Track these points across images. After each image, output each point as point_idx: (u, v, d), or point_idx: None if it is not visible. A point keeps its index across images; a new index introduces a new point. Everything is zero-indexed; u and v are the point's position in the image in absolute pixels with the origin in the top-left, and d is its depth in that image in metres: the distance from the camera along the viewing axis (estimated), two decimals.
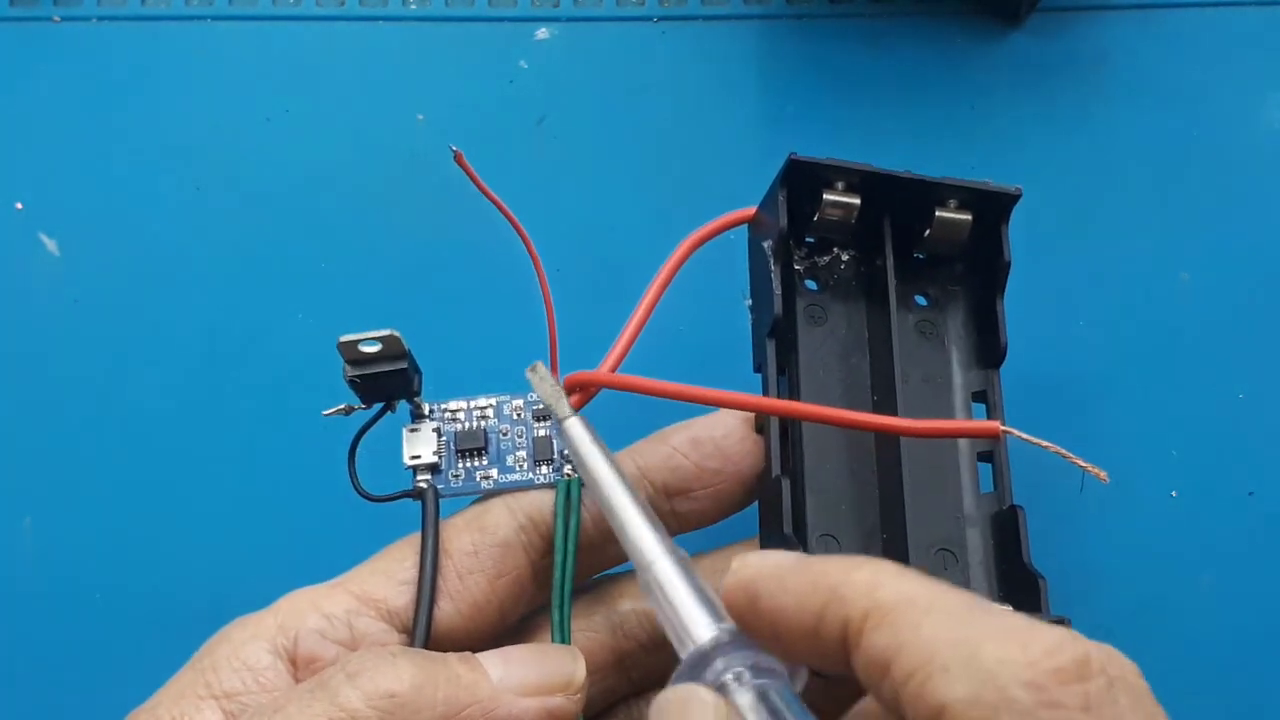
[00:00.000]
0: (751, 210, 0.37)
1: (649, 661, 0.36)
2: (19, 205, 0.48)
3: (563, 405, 0.34)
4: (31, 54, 0.50)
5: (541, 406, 0.37)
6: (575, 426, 0.33)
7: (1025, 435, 0.32)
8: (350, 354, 0.34)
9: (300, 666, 0.33)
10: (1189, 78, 0.49)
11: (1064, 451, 0.31)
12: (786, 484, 0.34)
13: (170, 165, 0.48)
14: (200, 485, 0.45)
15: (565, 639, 0.35)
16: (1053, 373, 0.45)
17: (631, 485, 0.32)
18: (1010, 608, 0.24)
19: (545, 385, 0.34)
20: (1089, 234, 0.47)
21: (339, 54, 0.50)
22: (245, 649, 0.33)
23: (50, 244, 0.48)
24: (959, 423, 0.36)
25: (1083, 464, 0.31)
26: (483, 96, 0.49)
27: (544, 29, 0.50)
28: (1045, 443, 0.31)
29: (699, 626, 0.29)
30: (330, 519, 0.42)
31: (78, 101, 0.49)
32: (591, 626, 0.36)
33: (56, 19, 0.50)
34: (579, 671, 0.33)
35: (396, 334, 0.34)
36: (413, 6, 0.50)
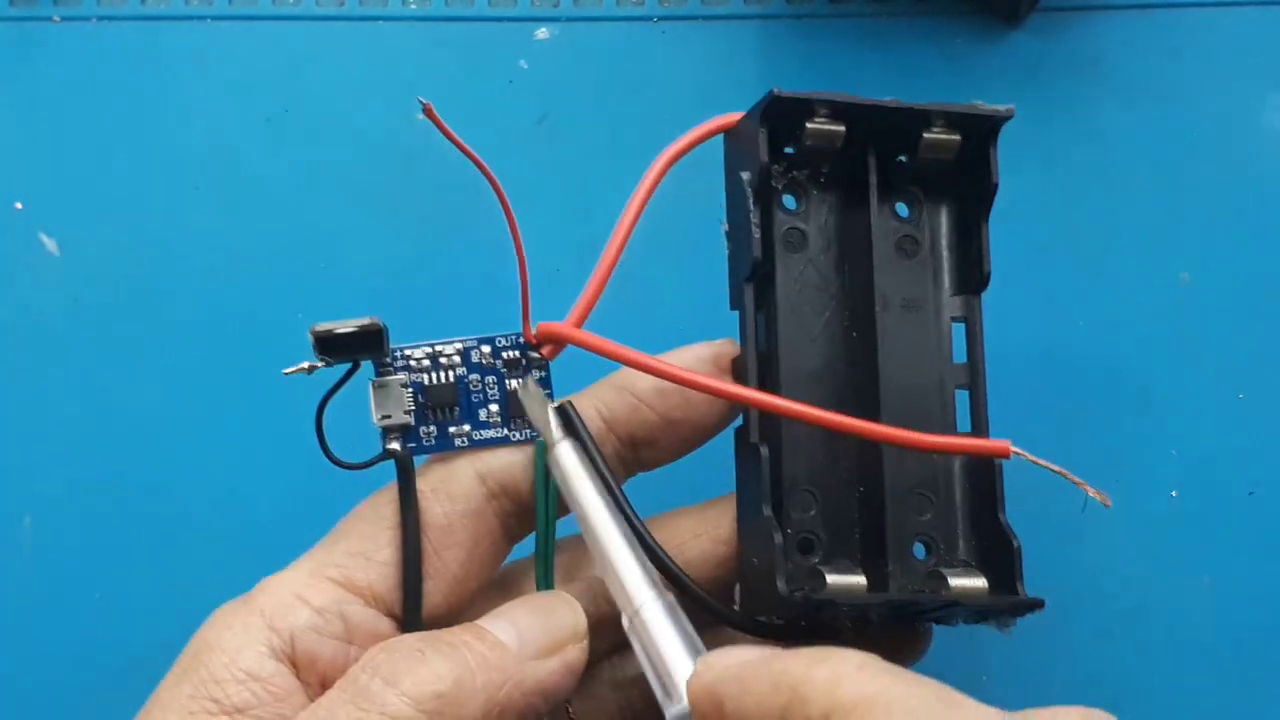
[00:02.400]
0: (732, 118, 0.36)
1: None
2: (19, 205, 0.48)
3: (552, 430, 0.33)
4: (31, 54, 0.50)
5: (512, 354, 0.36)
6: (566, 452, 0.33)
7: (1034, 458, 0.32)
8: (323, 335, 0.33)
9: (301, 667, 0.32)
10: (1189, 78, 0.49)
11: (1069, 474, 0.31)
12: (765, 454, 0.33)
13: (170, 165, 0.48)
14: (201, 485, 0.45)
15: None
16: (1052, 373, 0.45)
17: (619, 518, 0.32)
18: (976, 701, 0.24)
19: (535, 406, 0.34)
20: (1089, 234, 0.47)
21: (339, 54, 0.50)
22: (243, 657, 0.32)
23: (50, 244, 0.48)
24: (967, 440, 0.35)
25: (1087, 488, 0.31)
26: (483, 96, 0.49)
27: (544, 29, 0.50)
28: (1052, 465, 0.31)
29: (685, 684, 0.29)
30: (334, 507, 0.42)
31: (78, 101, 0.49)
32: (570, 593, 0.35)
33: (56, 19, 0.50)
34: (580, 617, 0.33)
35: (378, 320, 0.33)
36: (413, 6, 0.50)
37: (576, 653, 0.33)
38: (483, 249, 0.47)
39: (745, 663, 0.27)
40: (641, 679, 0.37)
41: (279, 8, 0.50)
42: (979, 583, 0.33)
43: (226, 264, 0.47)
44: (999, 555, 0.34)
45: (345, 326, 0.33)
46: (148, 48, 0.50)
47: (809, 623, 0.33)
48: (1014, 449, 0.32)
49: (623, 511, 0.33)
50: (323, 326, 0.33)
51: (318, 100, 0.49)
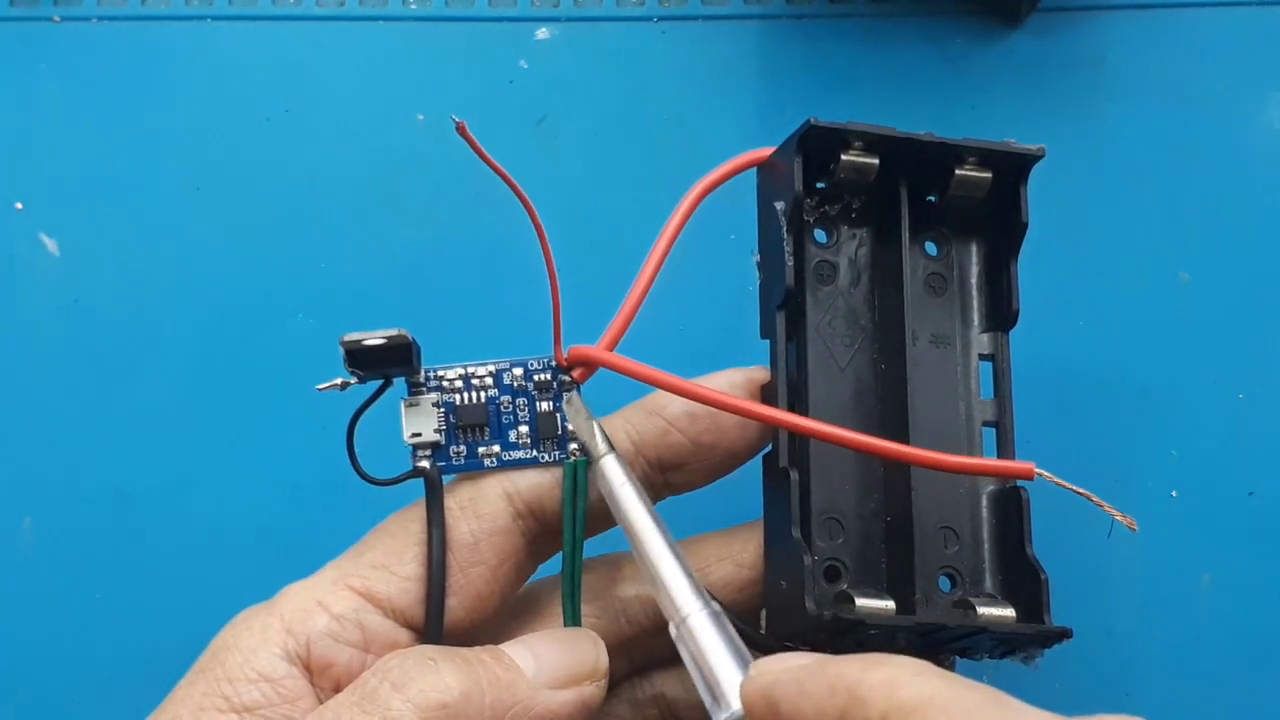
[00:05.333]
0: (764, 152, 0.36)
1: (651, 644, 0.36)
2: (19, 205, 0.48)
3: (596, 442, 0.34)
4: (31, 54, 0.50)
5: (543, 376, 0.36)
6: (611, 465, 0.33)
7: (1058, 480, 0.32)
8: (352, 347, 0.33)
9: (315, 672, 0.32)
10: (1189, 78, 0.49)
11: (1094, 497, 0.31)
12: (795, 478, 0.34)
13: (170, 165, 0.48)
14: (201, 484, 0.45)
15: (577, 624, 0.35)
16: (1052, 372, 0.45)
17: (665, 528, 0.32)
18: (1028, 706, 0.24)
19: (580, 419, 0.34)
20: (1089, 234, 0.47)
21: (339, 54, 0.50)
22: (258, 658, 0.32)
23: (50, 244, 0.48)
24: (991, 462, 0.35)
25: (1114, 512, 0.31)
26: (483, 96, 0.49)
27: (544, 29, 0.50)
28: (1077, 488, 0.32)
29: (734, 691, 0.29)
30: (331, 510, 0.42)
31: (78, 101, 0.49)
32: (594, 613, 0.36)
33: (56, 19, 0.50)
34: (603, 656, 0.33)
35: (405, 332, 0.33)
36: (413, 6, 0.50)
37: (592, 690, 0.33)
38: (484, 249, 0.47)
39: (801, 666, 0.27)
40: (659, 699, 0.37)
41: (279, 8, 0.50)
42: (1007, 612, 0.33)
43: (226, 264, 0.47)
44: (1026, 588, 0.34)
45: (374, 339, 0.33)
46: (148, 48, 0.50)
47: (835, 649, 0.33)
48: (1038, 470, 0.32)
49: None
50: (351, 337, 0.33)
51: (318, 100, 0.49)
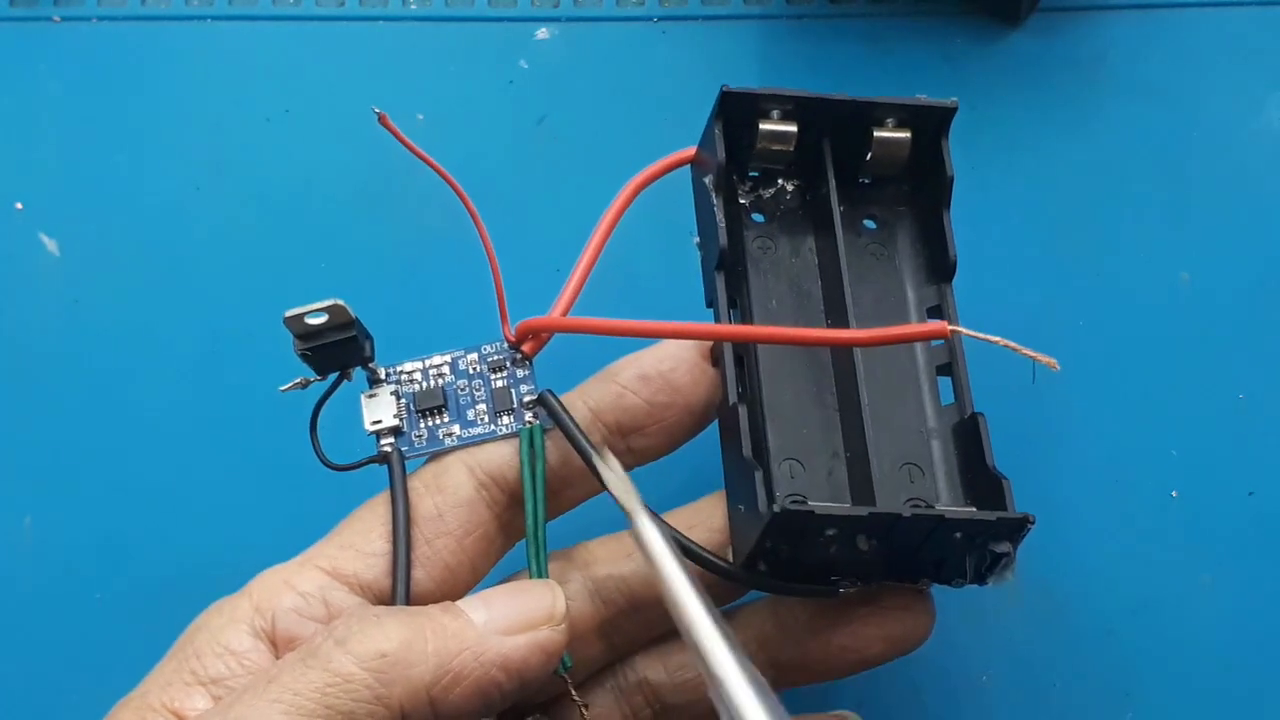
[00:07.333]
0: (692, 150, 0.37)
1: (630, 626, 0.36)
2: (19, 205, 0.48)
3: (635, 503, 0.33)
4: (31, 54, 0.50)
5: (497, 358, 0.37)
6: (649, 529, 0.32)
7: (974, 333, 0.32)
8: (298, 328, 0.35)
9: (281, 646, 0.33)
10: (1189, 78, 0.49)
11: (1012, 344, 0.31)
12: (744, 410, 0.34)
13: (170, 165, 0.48)
14: (200, 485, 0.45)
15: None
16: (1051, 372, 0.45)
17: (703, 591, 0.31)
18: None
19: (615, 480, 0.33)
20: (1089, 234, 0.47)
21: (339, 54, 0.50)
22: (225, 634, 0.33)
23: (50, 244, 0.48)
24: (905, 327, 0.35)
25: (1034, 355, 0.31)
26: (483, 96, 0.49)
27: (544, 29, 0.50)
28: (994, 338, 0.31)
29: None
30: (335, 506, 0.42)
31: (78, 101, 0.49)
32: (569, 595, 0.35)
33: (56, 19, 0.50)
34: (559, 602, 0.33)
35: (341, 303, 0.34)
36: (413, 6, 0.50)
37: (549, 634, 0.32)
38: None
39: None
40: (643, 685, 0.37)
41: (279, 8, 0.50)
42: (968, 508, 0.33)
43: (226, 264, 0.47)
44: (990, 496, 0.34)
45: (315, 316, 0.34)
46: (148, 48, 0.50)
47: (804, 571, 0.33)
48: (952, 327, 0.32)
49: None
50: (293, 312, 0.34)
51: (318, 100, 0.49)
